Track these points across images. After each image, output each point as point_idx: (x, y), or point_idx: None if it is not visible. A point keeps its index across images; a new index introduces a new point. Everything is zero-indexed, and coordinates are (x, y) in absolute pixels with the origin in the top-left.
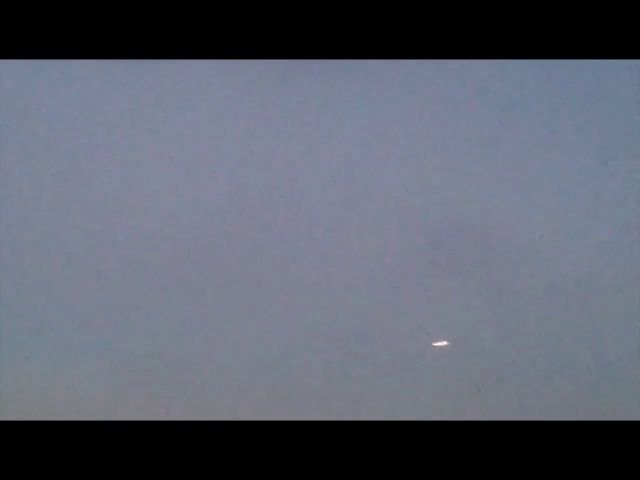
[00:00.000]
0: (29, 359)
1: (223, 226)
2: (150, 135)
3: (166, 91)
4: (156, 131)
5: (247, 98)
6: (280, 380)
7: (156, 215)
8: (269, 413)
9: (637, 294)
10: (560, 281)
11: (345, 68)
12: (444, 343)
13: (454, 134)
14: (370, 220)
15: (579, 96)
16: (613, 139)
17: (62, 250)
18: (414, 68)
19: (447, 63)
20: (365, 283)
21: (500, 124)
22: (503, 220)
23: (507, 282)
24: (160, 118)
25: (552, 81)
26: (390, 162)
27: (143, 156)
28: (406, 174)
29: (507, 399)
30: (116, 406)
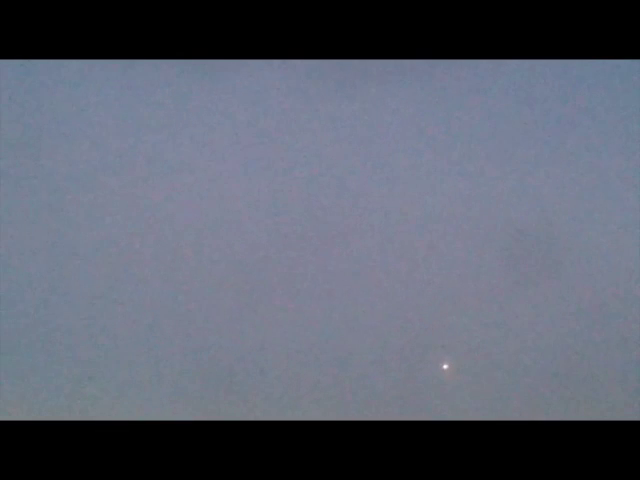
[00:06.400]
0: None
1: (299, 228)
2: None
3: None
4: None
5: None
6: (353, 384)
7: (223, 212)
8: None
9: None
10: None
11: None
12: (446, 367)
13: (530, 138)
14: (443, 227)
15: None
16: None
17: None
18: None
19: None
20: (439, 291)
21: (570, 128)
22: (578, 225)
23: (583, 289)
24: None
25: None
26: (460, 168)
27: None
28: (475, 179)
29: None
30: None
